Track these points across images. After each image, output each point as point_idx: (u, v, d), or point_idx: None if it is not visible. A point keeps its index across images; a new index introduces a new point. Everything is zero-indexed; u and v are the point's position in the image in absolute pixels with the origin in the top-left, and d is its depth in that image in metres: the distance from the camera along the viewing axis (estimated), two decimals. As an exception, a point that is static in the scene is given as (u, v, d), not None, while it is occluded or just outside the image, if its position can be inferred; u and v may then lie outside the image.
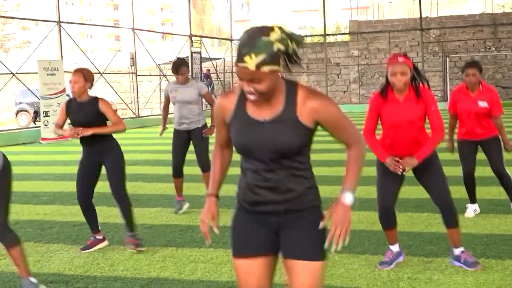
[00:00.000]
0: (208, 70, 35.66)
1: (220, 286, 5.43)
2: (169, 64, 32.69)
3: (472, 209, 7.89)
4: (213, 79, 36.93)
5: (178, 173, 8.73)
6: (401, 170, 5.44)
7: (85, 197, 6.77)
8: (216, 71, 36.78)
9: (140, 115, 29.94)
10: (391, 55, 5.59)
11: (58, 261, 6.45)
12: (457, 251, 5.78)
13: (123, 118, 27.43)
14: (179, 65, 8.45)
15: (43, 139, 20.76)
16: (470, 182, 7.85)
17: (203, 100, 9.01)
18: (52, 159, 15.88)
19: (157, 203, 9.24)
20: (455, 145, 7.87)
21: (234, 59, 2.84)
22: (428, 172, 5.59)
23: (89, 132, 6.44)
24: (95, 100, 6.63)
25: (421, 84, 5.53)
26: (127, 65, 31.63)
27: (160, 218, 8.36)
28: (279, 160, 2.97)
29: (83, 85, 6.58)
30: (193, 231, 7.48)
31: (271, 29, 2.79)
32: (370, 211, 8.00)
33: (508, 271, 5.63)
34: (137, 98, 29.65)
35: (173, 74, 8.58)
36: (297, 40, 2.86)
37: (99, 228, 6.92)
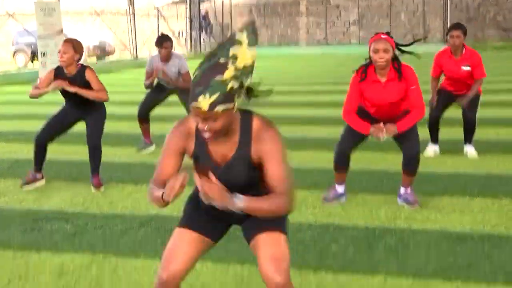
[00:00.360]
0: (207, 12, 35.30)
1: (218, 224, 5.48)
2: (167, 5, 32.45)
3: (432, 149, 8.03)
4: (211, 21, 36.56)
5: (145, 119, 8.89)
6: (382, 136, 5.59)
7: (45, 141, 6.87)
8: (215, 13, 36.38)
9: (138, 56, 29.74)
10: (374, 34, 5.66)
11: (57, 198, 6.49)
12: (403, 189, 5.94)
13: (121, 60, 27.38)
14: (163, 39, 8.47)
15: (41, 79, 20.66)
16: (434, 125, 7.98)
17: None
18: (50, 99, 15.79)
19: (155, 142, 9.24)
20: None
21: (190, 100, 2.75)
22: (404, 134, 5.67)
23: (72, 89, 6.50)
24: (82, 70, 6.70)
25: (402, 63, 5.60)
26: (125, 5, 31.29)
27: (158, 157, 8.37)
28: (238, 191, 2.93)
29: (72, 55, 6.61)
30: (191, 172, 7.48)
31: (224, 67, 2.70)
32: (368, 151, 8.02)
33: (504, 210, 5.69)
34: (135, 39, 29.40)
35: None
36: (250, 73, 2.80)
37: (42, 170, 7.05)
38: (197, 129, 3.01)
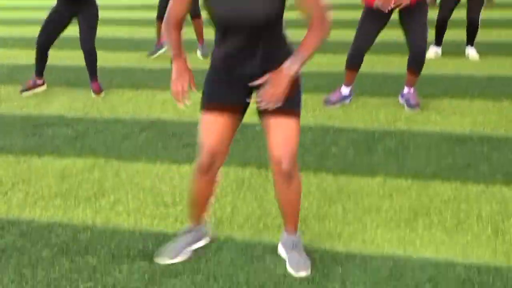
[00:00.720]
0: None
1: (219, 127, 5.49)
2: None
3: (433, 51, 7.96)
4: None
5: (163, 16, 8.56)
6: (391, 6, 5.38)
7: (47, 44, 6.74)
8: None
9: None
10: None
11: (57, 104, 6.49)
12: (407, 89, 5.88)
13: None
14: None
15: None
16: (442, 26, 7.86)
17: None
18: (48, 4, 15.62)
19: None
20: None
21: None
22: (412, 16, 5.51)
23: None
24: None
25: None
26: None
27: (159, 62, 8.34)
28: (256, 31, 2.88)
29: None
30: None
31: None
32: (369, 55, 7.98)
33: (504, 112, 5.69)
34: None
35: None
36: None
37: (43, 74, 6.96)
38: None
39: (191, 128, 5.55)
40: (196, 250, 3.45)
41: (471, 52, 7.83)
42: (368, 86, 6.70)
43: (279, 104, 2.86)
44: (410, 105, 5.82)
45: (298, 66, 2.83)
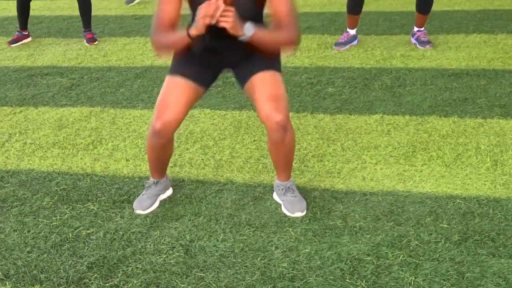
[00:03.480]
0: None
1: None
2: None
3: None
4: None
5: None
6: None
7: None
8: None
9: None
10: None
11: (50, 54, 6.42)
12: (416, 29, 5.82)
13: None
14: None
15: None
16: None
17: None
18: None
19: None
20: None
21: None
22: None
23: None
24: None
25: None
26: None
27: (150, 9, 8.24)
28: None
29: None
30: (184, 20, 7.37)
31: None
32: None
33: (500, 45, 5.65)
34: None
35: None
36: None
37: (27, 26, 6.90)
38: None
39: (186, 73, 5.52)
40: (186, 196, 3.46)
41: None
42: (362, 25, 6.63)
43: (228, 24, 2.65)
44: (421, 42, 5.73)
45: (252, 35, 2.73)
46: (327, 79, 5.12)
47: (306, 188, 3.46)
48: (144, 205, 3.33)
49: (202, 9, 2.66)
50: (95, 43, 6.66)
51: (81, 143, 4.24)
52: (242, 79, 3.06)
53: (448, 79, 4.94)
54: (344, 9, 7.36)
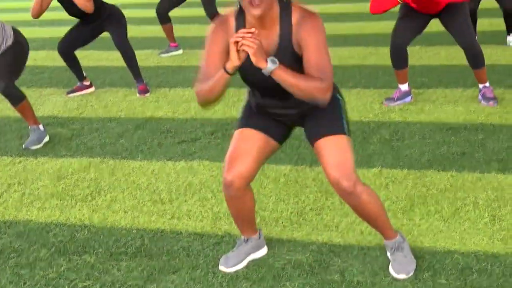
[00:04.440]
0: None
1: (213, 123, 5.50)
2: None
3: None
4: None
5: (164, 20, 8.45)
6: None
7: (68, 50, 6.57)
8: None
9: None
10: None
11: (51, 104, 6.48)
12: (481, 85, 5.68)
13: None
14: None
15: (27, -14, 20.28)
16: (472, 18, 7.76)
17: None
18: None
19: (148, 45, 9.17)
20: None
21: None
22: (452, 15, 5.36)
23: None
24: None
25: None
26: None
27: (151, 60, 8.33)
28: (283, 89, 2.80)
29: None
30: (185, 72, 7.47)
31: None
32: (362, 47, 7.99)
33: (498, 99, 5.69)
34: None
35: None
36: None
37: (85, 75, 6.87)
38: (236, 22, 2.86)
39: (185, 124, 5.55)
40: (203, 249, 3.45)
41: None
42: (362, 78, 6.70)
43: (251, 49, 2.60)
44: (487, 99, 5.60)
45: (274, 69, 2.64)
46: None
47: (303, 241, 3.45)
48: (230, 263, 3.23)
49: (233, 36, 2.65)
50: (147, 94, 6.65)
51: (80, 194, 4.25)
52: (311, 138, 3.01)
53: (446, 133, 4.97)
54: (343, 62, 7.44)
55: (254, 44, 2.59)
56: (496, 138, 4.81)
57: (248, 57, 2.65)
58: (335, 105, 3.02)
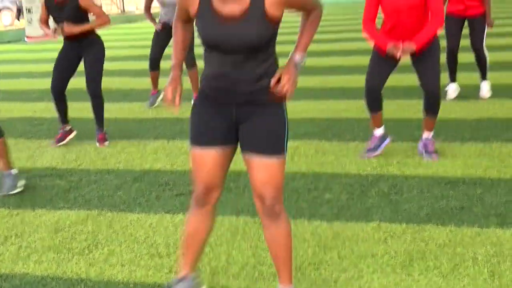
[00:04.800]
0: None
1: (212, 176, 5.49)
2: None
3: (452, 89, 8.07)
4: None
5: (155, 67, 8.65)
6: (399, 54, 5.30)
7: (59, 88, 6.74)
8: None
9: (125, 11, 29.44)
10: None
11: (50, 156, 6.48)
12: (426, 134, 5.79)
13: (108, 14, 27.16)
14: None
15: (28, 37, 20.48)
16: (452, 59, 7.99)
17: None
18: (38, 57, 15.72)
19: (147, 98, 9.21)
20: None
21: None
22: (424, 56, 5.48)
23: (74, 30, 6.37)
24: None
25: None
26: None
27: (150, 112, 8.37)
28: (246, 55, 2.90)
29: None
30: (183, 124, 7.50)
31: None
32: (359, 100, 8.01)
33: (495, 154, 5.72)
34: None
35: None
36: None
37: (68, 121, 6.96)
38: None
39: (184, 177, 5.55)
40: (191, 301, 3.41)
41: (483, 89, 7.99)
42: (360, 131, 6.73)
43: (294, 88, 2.91)
44: (428, 152, 5.71)
45: (303, 53, 2.99)
46: (324, 185, 5.15)
47: (302, 297, 3.42)
48: None
49: (165, 91, 3.03)
50: (105, 144, 6.78)
51: (77, 247, 4.22)
52: (243, 144, 3.06)
53: (444, 187, 4.97)
54: (340, 115, 7.49)
55: (291, 87, 2.90)
56: (495, 192, 4.81)
57: (210, 20, 2.90)
58: (281, 117, 3.04)
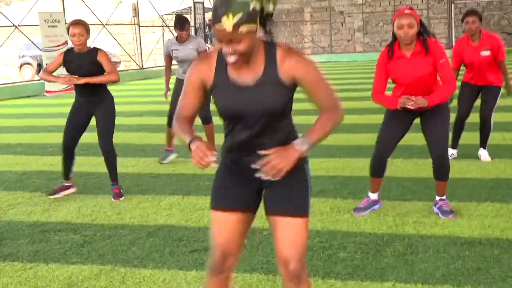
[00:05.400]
0: (210, 20, 35.36)
1: (226, 232, 5.48)
2: (172, 14, 32.52)
3: (449, 153, 8.03)
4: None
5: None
6: (411, 105, 5.31)
7: (69, 144, 6.89)
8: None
9: (144, 67, 29.83)
10: (398, 8, 5.51)
11: (65, 210, 6.50)
12: (438, 198, 5.84)
13: (127, 70, 27.49)
14: (184, 22, 8.33)
15: (48, 92, 20.75)
16: (460, 125, 7.97)
17: None
18: (57, 111, 15.89)
19: (162, 153, 9.26)
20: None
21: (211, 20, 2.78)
22: (433, 118, 5.53)
23: (82, 80, 6.51)
24: (95, 51, 6.73)
25: (429, 38, 5.42)
26: (129, 16, 31.38)
27: (166, 168, 8.40)
28: (265, 122, 2.94)
29: (86, 36, 6.67)
30: (199, 180, 7.51)
31: None
32: (375, 158, 8.02)
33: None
34: (140, 49, 29.48)
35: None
36: (271, 2, 2.80)
37: (70, 177, 7.07)
38: (218, 58, 2.98)
39: (198, 233, 5.54)
40: None
41: (483, 154, 7.91)
42: (360, 190, 6.69)
43: (277, 178, 2.82)
44: (444, 212, 5.70)
45: (308, 146, 2.86)
46: (339, 244, 5.11)
47: None
48: None
49: (194, 155, 2.83)
50: (120, 199, 6.80)
51: (89, 302, 4.19)
52: (268, 206, 3.08)
53: (461, 247, 4.92)
54: (356, 173, 7.48)
55: (283, 168, 2.79)
56: (512, 253, 4.75)
57: (227, 89, 2.91)
58: (302, 177, 3.09)
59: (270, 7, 2.79)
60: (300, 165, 3.06)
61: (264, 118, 2.92)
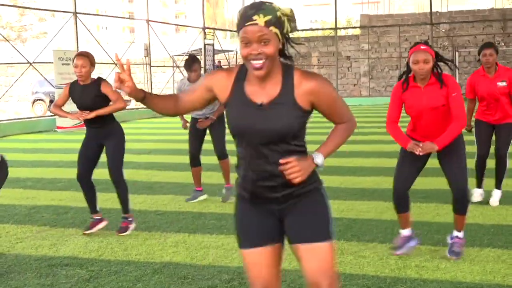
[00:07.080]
0: (220, 62, 35.75)
1: (231, 271, 5.55)
2: (183, 55, 32.92)
3: (478, 193, 8.07)
4: (226, 71, 37.02)
5: (196, 162, 8.80)
6: (419, 152, 5.41)
7: (84, 176, 6.95)
8: (229, 63, 36.93)
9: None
10: (414, 44, 5.60)
11: (73, 245, 6.59)
12: (456, 232, 5.90)
13: (137, 108, 27.69)
14: (192, 62, 8.42)
15: (59, 127, 20.99)
16: (482, 165, 7.99)
17: None
18: (67, 146, 16.06)
19: (170, 191, 9.37)
20: (473, 124, 8.08)
21: (239, 26, 2.87)
22: (449, 156, 5.62)
23: (92, 114, 6.62)
24: (98, 81, 6.84)
25: (444, 72, 5.56)
26: (141, 56, 31.78)
27: (173, 205, 8.49)
28: (278, 143, 2.99)
29: (89, 69, 6.78)
30: (205, 218, 7.60)
31: (271, 3, 2.89)
32: (379, 201, 8.10)
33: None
34: (151, 89, 29.77)
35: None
36: (291, 21, 2.94)
37: (97, 210, 7.13)
38: (238, 73, 3.05)
39: (203, 271, 5.61)
40: None
41: (496, 196, 8.00)
42: (378, 232, 6.77)
43: (298, 180, 2.93)
44: (452, 252, 5.79)
45: (323, 157, 3.02)
46: (342, 286, 5.16)
47: None
48: None
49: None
50: (122, 233, 6.91)
51: (94, 336, 4.26)
52: (291, 237, 3.12)
53: (461, 292, 4.97)
54: (361, 215, 7.55)
55: (300, 171, 2.91)
56: (512, 299, 4.80)
57: (242, 107, 2.98)
58: (322, 203, 3.16)
59: (291, 26, 2.92)
60: (315, 188, 3.14)
61: (278, 140, 2.98)
